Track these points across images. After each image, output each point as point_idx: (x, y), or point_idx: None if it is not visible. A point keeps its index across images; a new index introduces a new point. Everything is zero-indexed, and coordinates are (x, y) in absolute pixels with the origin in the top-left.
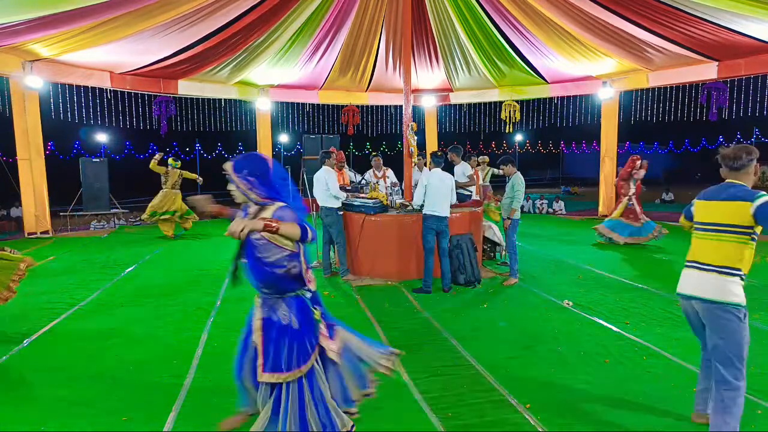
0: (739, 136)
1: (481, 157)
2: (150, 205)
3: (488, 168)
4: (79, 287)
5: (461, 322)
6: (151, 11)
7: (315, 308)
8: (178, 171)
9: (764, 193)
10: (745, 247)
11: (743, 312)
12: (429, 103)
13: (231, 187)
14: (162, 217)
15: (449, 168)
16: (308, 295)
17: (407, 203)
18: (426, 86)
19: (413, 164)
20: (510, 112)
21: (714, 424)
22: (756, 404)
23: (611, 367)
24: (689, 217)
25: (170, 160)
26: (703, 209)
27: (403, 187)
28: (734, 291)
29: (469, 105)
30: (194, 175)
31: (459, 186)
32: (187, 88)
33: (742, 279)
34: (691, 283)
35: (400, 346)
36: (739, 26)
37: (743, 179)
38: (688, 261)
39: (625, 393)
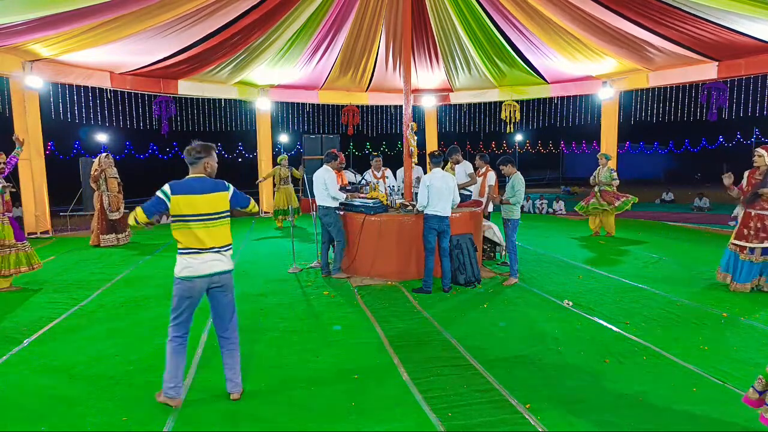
0: (739, 136)
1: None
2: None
3: (601, 168)
4: (79, 287)
5: (461, 321)
6: (151, 11)
7: None
8: (281, 168)
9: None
10: (229, 226)
11: None
12: (429, 103)
13: None
14: (282, 217)
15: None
16: None
17: (407, 203)
18: (426, 86)
19: (412, 165)
20: (510, 112)
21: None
22: None
23: (611, 367)
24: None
25: (279, 159)
26: (195, 202)
27: (402, 187)
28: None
29: (469, 105)
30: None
31: (459, 186)
32: (187, 88)
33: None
34: (210, 264)
35: (400, 346)
36: (739, 26)
37: (202, 171)
38: (203, 248)
39: (625, 393)
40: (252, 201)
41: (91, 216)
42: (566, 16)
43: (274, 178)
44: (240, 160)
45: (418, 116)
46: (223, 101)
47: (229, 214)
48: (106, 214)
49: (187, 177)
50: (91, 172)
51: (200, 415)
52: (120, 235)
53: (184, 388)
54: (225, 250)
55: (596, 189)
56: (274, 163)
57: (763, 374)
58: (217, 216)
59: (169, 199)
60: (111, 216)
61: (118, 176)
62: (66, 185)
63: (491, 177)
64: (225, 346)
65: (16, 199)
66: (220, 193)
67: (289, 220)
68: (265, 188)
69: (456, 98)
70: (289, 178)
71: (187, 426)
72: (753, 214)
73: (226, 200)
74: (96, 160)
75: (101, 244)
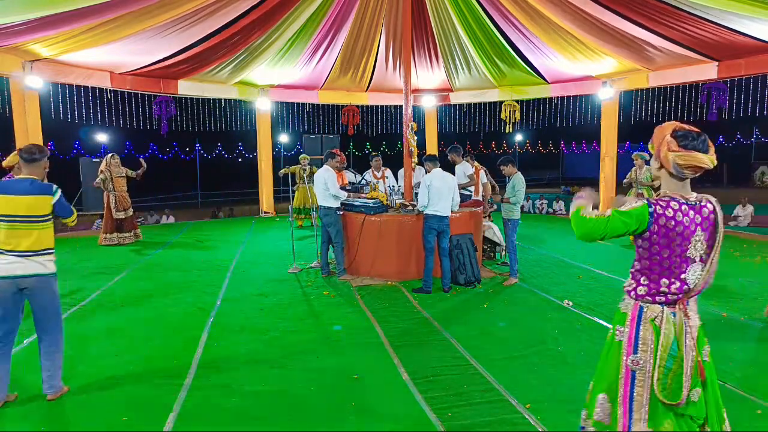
0: (739, 136)
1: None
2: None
3: (638, 168)
4: (79, 287)
5: (461, 321)
6: (151, 11)
7: None
8: (299, 167)
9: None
10: (50, 230)
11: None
12: (429, 103)
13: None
14: (303, 215)
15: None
16: None
17: (407, 203)
18: (426, 86)
19: (413, 165)
20: (510, 112)
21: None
22: (756, 404)
23: None
24: None
25: (300, 157)
26: (7, 203)
27: (402, 188)
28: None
29: (469, 105)
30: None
31: (459, 186)
32: (187, 88)
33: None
34: (12, 266)
35: (400, 346)
36: (739, 26)
37: (37, 173)
38: (5, 250)
39: None
40: (74, 215)
41: (90, 216)
42: (566, 16)
43: (295, 177)
44: (240, 160)
45: (418, 116)
46: (223, 101)
47: (50, 218)
48: (112, 213)
49: (16, 177)
50: (98, 174)
51: (202, 414)
52: (125, 235)
53: (7, 388)
54: (34, 255)
55: (633, 191)
56: (273, 163)
57: (587, 407)
58: (30, 219)
59: None
60: (116, 215)
61: (125, 174)
62: (66, 185)
63: (482, 176)
64: (42, 348)
65: None
66: (41, 197)
67: (310, 219)
68: (265, 188)
69: (456, 98)
70: (311, 177)
71: (187, 426)
72: None
73: (48, 204)
74: (103, 162)
75: (102, 243)
